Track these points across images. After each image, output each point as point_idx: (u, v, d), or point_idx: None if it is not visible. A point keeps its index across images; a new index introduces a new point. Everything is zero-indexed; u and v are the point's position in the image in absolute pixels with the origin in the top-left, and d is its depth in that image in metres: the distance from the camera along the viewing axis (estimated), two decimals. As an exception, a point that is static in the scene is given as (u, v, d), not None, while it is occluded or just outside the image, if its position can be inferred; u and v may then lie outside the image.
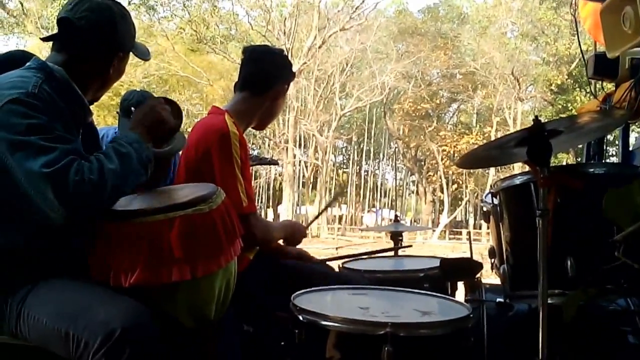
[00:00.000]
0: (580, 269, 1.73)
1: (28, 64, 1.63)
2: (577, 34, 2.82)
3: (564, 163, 22.61)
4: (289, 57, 2.50)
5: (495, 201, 2.01)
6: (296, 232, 2.36)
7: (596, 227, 1.77)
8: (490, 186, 2.12)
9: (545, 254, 1.58)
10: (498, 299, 2.11)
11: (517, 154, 1.76)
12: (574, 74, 25.93)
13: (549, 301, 1.60)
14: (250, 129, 2.43)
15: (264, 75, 2.30)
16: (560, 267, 1.72)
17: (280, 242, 2.36)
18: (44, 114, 1.48)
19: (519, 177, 1.88)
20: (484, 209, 2.39)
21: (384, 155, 42.71)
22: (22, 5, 26.59)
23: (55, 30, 1.69)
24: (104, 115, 22.53)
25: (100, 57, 1.69)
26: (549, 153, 1.59)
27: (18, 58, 1.70)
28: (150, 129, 1.65)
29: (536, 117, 1.59)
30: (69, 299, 1.47)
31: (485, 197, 2.44)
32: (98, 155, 1.51)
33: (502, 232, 2.01)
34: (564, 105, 25.43)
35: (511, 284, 1.96)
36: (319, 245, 19.67)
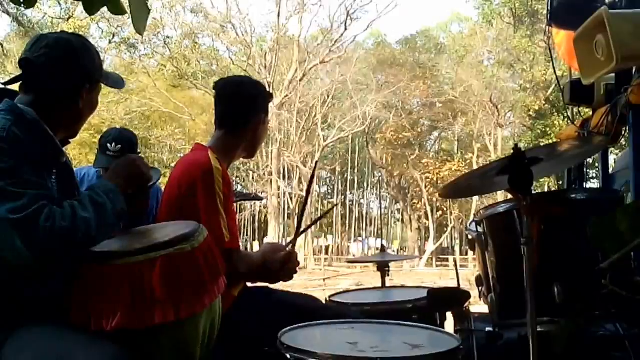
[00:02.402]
0: (568, 296, 1.72)
1: None
2: (552, 61, 2.88)
3: (546, 187, 22.87)
4: (270, 90, 2.48)
5: (480, 229, 2.01)
6: (275, 253, 2.30)
7: (581, 253, 1.79)
8: (474, 214, 2.13)
9: (531, 281, 1.57)
10: (487, 329, 2.09)
11: (498, 182, 1.77)
12: (551, 99, 26.45)
13: (538, 329, 1.59)
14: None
15: (239, 113, 2.27)
16: (548, 294, 1.72)
17: None
18: (13, 157, 1.45)
19: (503, 205, 1.89)
20: (469, 237, 2.39)
21: (368, 185, 42.93)
22: (1, 46, 26.61)
23: None
24: (86, 153, 22.42)
25: (67, 92, 1.66)
26: (530, 181, 1.59)
27: None
28: (128, 181, 1.64)
29: (516, 145, 1.61)
30: (48, 345, 1.42)
31: (470, 225, 2.44)
32: (72, 202, 1.48)
33: (487, 260, 2.01)
34: (543, 129, 25.87)
35: (499, 313, 1.95)
36: (306, 276, 19.54)
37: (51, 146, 1.62)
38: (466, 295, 2.18)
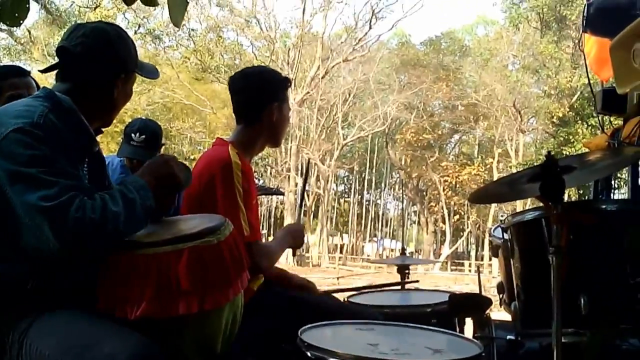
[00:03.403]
0: (594, 307, 1.70)
1: (36, 92, 1.63)
2: (586, 68, 2.84)
3: (566, 196, 22.50)
4: (292, 87, 2.46)
5: (506, 236, 1.99)
6: (296, 237, 2.33)
7: (609, 264, 1.76)
8: (501, 221, 2.10)
9: (558, 291, 1.55)
10: (508, 336, 2.06)
11: (528, 190, 1.75)
12: (575, 106, 26.03)
13: (563, 340, 1.57)
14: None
15: (249, 106, 2.27)
16: (574, 305, 1.69)
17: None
18: (47, 145, 1.46)
19: (531, 212, 1.86)
20: (493, 243, 2.37)
21: (385, 185, 42.84)
22: (29, 33, 26.98)
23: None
24: (107, 142, 22.63)
25: (102, 81, 1.67)
26: (562, 189, 1.57)
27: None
28: (159, 180, 1.63)
29: (549, 152, 1.59)
30: (73, 332, 1.44)
31: (494, 231, 2.42)
32: (103, 196, 1.48)
33: (512, 267, 1.98)
34: (566, 137, 25.47)
35: (522, 322, 1.93)
36: (319, 274, 19.56)
37: (85, 135, 1.64)
38: (488, 302, 2.16)
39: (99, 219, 1.41)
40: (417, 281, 3.05)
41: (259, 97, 2.26)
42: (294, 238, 2.32)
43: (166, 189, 1.66)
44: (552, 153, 1.64)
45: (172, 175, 1.66)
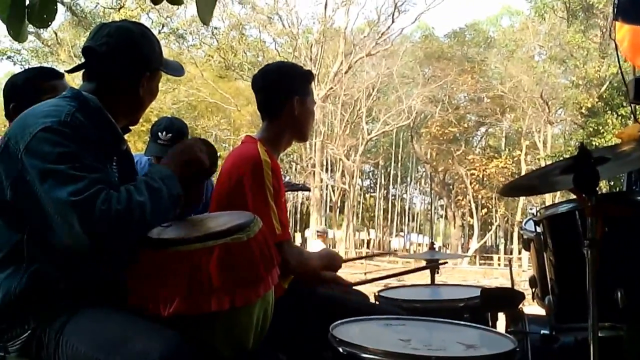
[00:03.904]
0: (631, 301, 1.66)
1: (63, 92, 1.66)
2: (618, 56, 2.77)
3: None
4: (315, 83, 2.45)
5: (538, 229, 1.95)
6: (333, 261, 2.32)
7: (646, 257, 1.71)
8: (533, 214, 2.07)
9: (594, 285, 1.52)
10: (542, 331, 2.03)
11: (561, 182, 1.72)
12: (604, 96, 25.48)
13: (599, 334, 1.54)
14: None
15: (270, 101, 2.27)
16: (610, 298, 1.65)
17: None
18: (75, 142, 1.49)
19: (564, 205, 1.82)
20: (524, 236, 2.33)
21: (411, 179, 42.61)
22: (56, 35, 27.49)
23: None
24: (134, 141, 22.94)
25: (127, 79, 1.68)
26: (596, 181, 1.54)
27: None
28: (184, 167, 1.65)
29: (582, 143, 1.55)
30: (107, 329, 1.46)
31: (526, 224, 2.38)
32: (128, 187, 1.50)
33: (546, 261, 1.95)
34: (595, 128, 24.95)
35: (557, 316, 1.89)
36: (347, 269, 19.51)
37: (112, 133, 1.66)
38: (520, 296, 2.13)
39: (124, 210, 1.43)
40: (446, 262, 3.01)
41: (279, 93, 2.26)
42: (330, 261, 2.29)
43: (193, 174, 1.67)
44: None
45: (197, 160, 1.67)
